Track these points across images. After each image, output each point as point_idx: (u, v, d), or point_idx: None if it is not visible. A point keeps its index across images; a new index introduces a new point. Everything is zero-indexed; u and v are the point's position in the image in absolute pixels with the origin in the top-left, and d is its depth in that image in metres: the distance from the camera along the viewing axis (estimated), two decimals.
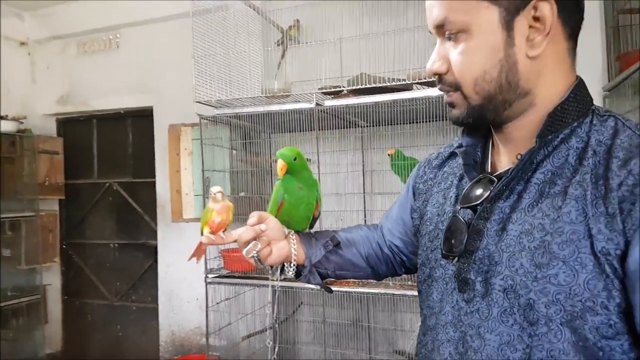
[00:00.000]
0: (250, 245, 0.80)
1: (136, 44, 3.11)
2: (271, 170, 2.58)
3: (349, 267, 0.89)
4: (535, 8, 0.57)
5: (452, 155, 0.77)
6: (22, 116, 3.15)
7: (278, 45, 2.55)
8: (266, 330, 2.61)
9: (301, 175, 0.90)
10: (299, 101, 2.10)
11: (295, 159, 0.87)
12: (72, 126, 3.49)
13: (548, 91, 0.61)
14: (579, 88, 0.61)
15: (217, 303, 2.34)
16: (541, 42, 0.58)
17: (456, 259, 0.64)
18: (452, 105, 0.65)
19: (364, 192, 2.48)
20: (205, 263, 2.27)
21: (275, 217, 0.87)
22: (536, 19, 0.58)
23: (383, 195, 2.42)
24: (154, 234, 3.14)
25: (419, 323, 0.74)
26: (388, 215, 0.91)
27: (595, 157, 0.56)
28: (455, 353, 0.62)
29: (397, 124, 2.32)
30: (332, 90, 2.09)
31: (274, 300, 2.42)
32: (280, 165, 0.87)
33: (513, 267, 0.57)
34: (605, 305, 0.51)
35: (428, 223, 0.74)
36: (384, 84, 1.93)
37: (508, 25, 0.58)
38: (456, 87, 0.62)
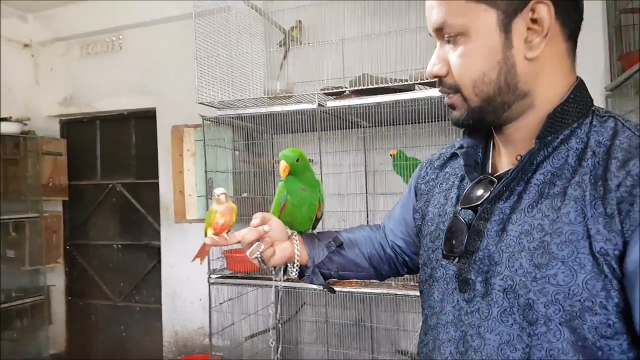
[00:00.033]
0: (254, 246, 0.80)
1: (139, 45, 3.12)
2: (274, 171, 2.58)
3: (351, 267, 0.89)
4: (532, 10, 0.58)
5: (454, 156, 0.78)
6: (26, 118, 3.17)
7: (280, 46, 2.55)
8: (269, 331, 2.61)
9: (304, 177, 0.91)
10: (301, 102, 2.11)
11: (297, 160, 0.88)
12: (75, 127, 3.51)
13: (547, 92, 0.61)
14: (579, 89, 0.62)
15: (220, 303, 2.35)
16: (539, 44, 0.59)
17: (457, 259, 0.64)
18: (452, 107, 0.65)
19: (367, 193, 2.48)
20: (209, 264, 2.27)
21: (278, 218, 0.88)
22: (534, 21, 0.58)
23: (385, 196, 2.42)
24: (157, 235, 3.15)
25: (421, 323, 0.74)
26: (390, 215, 0.92)
27: (594, 158, 0.56)
28: (455, 352, 0.62)
29: (400, 124, 2.32)
30: (335, 91, 2.10)
31: (277, 300, 2.42)
32: (282, 166, 0.87)
33: (513, 267, 0.58)
34: (604, 305, 0.52)
35: (429, 223, 0.74)
36: (386, 85, 1.93)
37: (506, 28, 0.58)
38: (456, 89, 0.63)
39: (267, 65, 2.60)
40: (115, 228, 3.39)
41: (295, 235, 0.87)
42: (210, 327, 2.28)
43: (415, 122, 2.13)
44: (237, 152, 2.49)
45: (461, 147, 0.71)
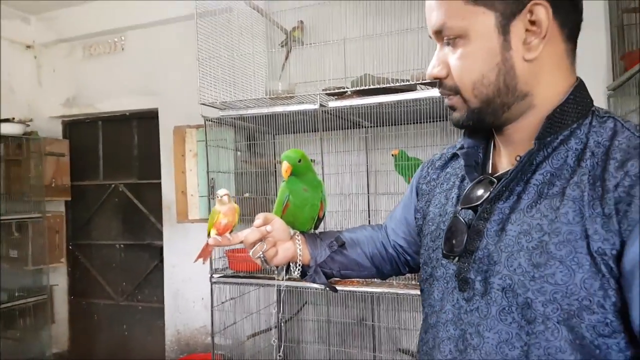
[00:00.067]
0: (257, 246, 0.81)
1: (141, 46, 3.13)
2: (275, 172, 2.59)
3: (353, 266, 0.90)
4: (530, 12, 0.58)
5: (455, 156, 0.78)
6: (29, 119, 3.18)
7: (282, 46, 2.56)
8: (271, 329, 2.62)
9: (306, 177, 0.91)
10: (303, 102, 2.11)
11: (299, 161, 0.89)
12: (78, 128, 3.52)
13: (547, 93, 0.61)
14: (579, 89, 0.62)
15: (222, 302, 2.36)
16: (538, 45, 0.59)
17: (457, 258, 0.65)
18: (452, 108, 0.66)
19: (368, 193, 2.49)
20: (211, 263, 2.28)
21: (281, 218, 0.88)
22: (532, 22, 0.58)
23: (387, 196, 2.42)
24: (159, 235, 3.16)
25: (422, 321, 0.75)
26: (392, 215, 0.92)
27: (593, 158, 0.57)
28: (455, 350, 0.63)
29: (401, 124, 2.32)
30: (336, 91, 2.10)
31: (279, 299, 2.43)
32: (285, 167, 0.88)
33: (511, 266, 0.58)
34: (602, 304, 0.52)
35: (430, 223, 0.75)
36: (388, 85, 1.93)
37: (504, 30, 0.59)
38: (456, 91, 0.63)
39: (269, 66, 2.61)
40: (117, 228, 3.41)
41: (298, 235, 0.88)
42: (212, 326, 2.29)
43: (417, 122, 2.13)
44: (239, 153, 2.49)
45: (462, 147, 0.71)
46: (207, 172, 2.29)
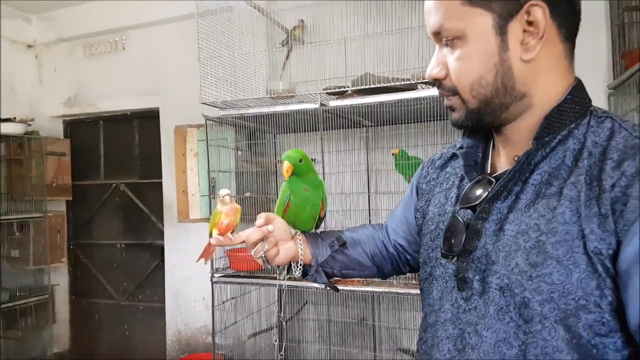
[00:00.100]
0: (258, 246, 0.81)
1: (142, 45, 3.13)
2: (276, 171, 2.59)
3: (354, 266, 0.90)
4: (528, 13, 0.58)
5: (455, 155, 0.78)
6: (30, 118, 3.19)
7: (283, 45, 2.56)
8: (272, 329, 2.62)
9: (307, 177, 0.92)
10: (304, 101, 2.11)
11: (300, 161, 0.89)
12: (79, 128, 3.52)
13: (545, 93, 0.62)
14: (577, 90, 0.62)
15: (223, 302, 2.36)
16: (535, 46, 0.59)
17: (455, 258, 0.65)
18: (451, 108, 0.66)
19: (369, 192, 2.49)
20: (212, 263, 2.29)
21: (282, 217, 0.89)
22: (529, 23, 0.58)
23: (387, 195, 2.43)
24: (160, 234, 3.17)
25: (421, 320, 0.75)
26: (393, 214, 0.92)
27: (590, 158, 0.57)
28: (454, 349, 0.63)
29: (402, 123, 2.32)
30: (337, 90, 2.10)
31: (280, 299, 2.43)
32: (286, 167, 0.88)
33: (509, 266, 0.58)
34: (598, 304, 0.53)
35: (430, 223, 0.75)
36: (389, 84, 1.94)
37: (502, 30, 0.59)
38: (454, 92, 0.63)
39: (270, 65, 2.61)
40: (118, 227, 3.41)
41: (299, 235, 0.88)
42: (213, 326, 2.29)
43: (417, 121, 2.14)
44: (239, 152, 2.50)
45: (461, 147, 0.71)
46: (208, 172, 2.30)
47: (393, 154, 2.18)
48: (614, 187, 0.53)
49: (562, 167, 0.59)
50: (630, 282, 0.51)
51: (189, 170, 2.98)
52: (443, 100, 0.67)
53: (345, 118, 2.26)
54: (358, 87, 1.99)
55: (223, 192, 0.88)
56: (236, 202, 0.92)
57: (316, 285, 1.88)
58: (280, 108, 2.15)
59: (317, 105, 2.06)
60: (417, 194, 0.84)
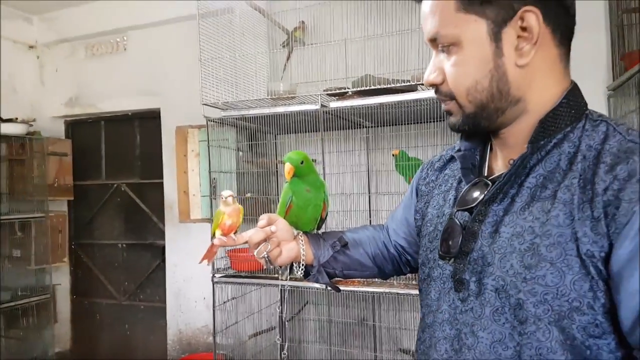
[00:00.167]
0: (261, 246, 0.82)
1: (143, 46, 3.14)
2: (277, 172, 2.60)
3: (356, 266, 0.91)
4: (521, 19, 0.59)
5: (453, 158, 0.79)
6: (32, 119, 3.19)
7: (283, 47, 2.57)
8: (272, 329, 2.63)
9: (308, 178, 0.93)
10: (304, 103, 2.12)
11: (302, 163, 0.90)
12: (80, 128, 3.53)
13: (540, 98, 0.62)
14: (572, 93, 0.63)
15: (224, 302, 2.37)
16: (529, 51, 0.60)
17: (452, 259, 0.66)
18: (449, 112, 0.67)
19: (369, 193, 2.50)
20: (213, 263, 2.29)
21: (284, 218, 0.89)
22: (524, 29, 0.59)
23: (387, 196, 2.43)
24: (161, 234, 3.18)
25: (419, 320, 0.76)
26: (393, 215, 0.93)
27: (584, 161, 0.58)
28: (451, 350, 0.64)
29: (402, 124, 2.33)
30: (337, 91, 2.11)
31: (282, 299, 2.44)
32: (287, 168, 0.89)
33: (504, 268, 0.59)
34: (591, 306, 0.54)
35: (428, 224, 0.76)
36: (389, 85, 1.94)
37: (496, 37, 0.60)
38: (451, 97, 0.65)
39: (271, 66, 2.62)
40: (120, 227, 3.42)
41: (301, 236, 0.89)
42: (214, 326, 2.30)
43: (417, 123, 2.14)
44: (240, 153, 2.50)
45: (459, 150, 0.72)
46: (209, 172, 2.31)
47: (393, 155, 2.19)
48: (606, 190, 0.54)
49: (557, 170, 0.60)
50: (622, 284, 0.52)
51: (190, 171, 2.99)
52: (441, 104, 0.68)
53: (345, 119, 2.27)
54: (358, 89, 2.00)
55: (226, 193, 0.89)
56: (237, 202, 0.93)
57: (317, 285, 1.88)
58: (281, 109, 2.16)
59: (317, 106, 2.07)
60: (417, 195, 0.84)
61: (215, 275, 2.30)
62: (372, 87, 1.96)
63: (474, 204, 0.65)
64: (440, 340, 0.66)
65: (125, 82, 3.18)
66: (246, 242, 0.84)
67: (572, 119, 0.61)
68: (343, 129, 2.48)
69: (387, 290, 2.02)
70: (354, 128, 2.47)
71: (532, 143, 0.61)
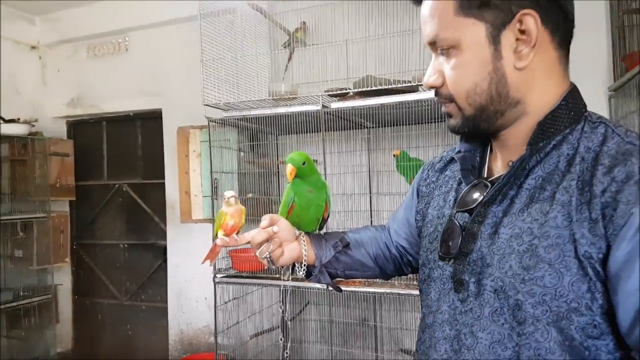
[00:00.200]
0: (264, 246, 0.83)
1: (145, 47, 3.15)
2: (278, 172, 2.60)
3: (358, 267, 0.91)
4: (520, 22, 0.59)
5: (454, 159, 0.80)
6: (34, 119, 3.20)
7: (285, 47, 2.57)
8: (274, 329, 2.64)
9: (310, 179, 0.93)
10: (306, 103, 2.13)
11: (304, 164, 0.90)
12: (82, 128, 3.54)
13: (539, 100, 0.63)
14: (571, 95, 0.63)
15: (226, 302, 2.37)
16: (528, 54, 0.60)
17: (452, 260, 0.66)
18: (449, 114, 0.68)
19: (370, 193, 2.50)
20: (214, 263, 2.30)
21: (286, 219, 0.90)
22: (522, 32, 0.60)
23: (389, 196, 2.44)
24: (163, 235, 3.18)
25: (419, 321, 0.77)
26: (394, 216, 0.94)
27: (583, 163, 0.58)
28: (450, 350, 0.65)
29: (403, 125, 2.34)
30: (339, 92, 2.11)
31: (284, 299, 2.45)
32: (289, 169, 0.90)
33: (503, 269, 0.60)
34: (589, 307, 0.54)
35: (429, 225, 0.76)
36: (390, 86, 1.95)
37: (495, 40, 0.60)
38: (451, 99, 0.65)
39: (272, 67, 2.62)
40: (121, 228, 3.43)
41: (303, 236, 0.90)
42: (215, 326, 2.30)
43: (418, 123, 2.15)
44: (242, 153, 2.51)
45: (459, 151, 0.73)
46: (211, 173, 2.31)
47: (394, 155, 2.19)
48: (604, 192, 0.54)
49: (556, 172, 0.60)
50: (619, 285, 0.52)
51: (191, 171, 3.00)
52: (441, 106, 0.69)
53: (346, 119, 2.27)
54: (360, 89, 2.00)
55: (228, 193, 0.89)
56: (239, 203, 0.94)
57: (318, 285, 1.89)
58: (282, 110, 2.17)
59: (319, 107, 2.07)
60: (418, 196, 0.85)
61: (217, 275, 2.30)
62: (373, 88, 1.97)
63: (473, 205, 0.65)
64: (440, 340, 0.66)
65: (127, 82, 3.19)
66: (248, 243, 0.85)
67: (571, 120, 0.62)
68: (344, 129, 2.48)
69: (388, 290, 2.02)
70: (355, 129, 2.48)
71: (531, 145, 0.61)
